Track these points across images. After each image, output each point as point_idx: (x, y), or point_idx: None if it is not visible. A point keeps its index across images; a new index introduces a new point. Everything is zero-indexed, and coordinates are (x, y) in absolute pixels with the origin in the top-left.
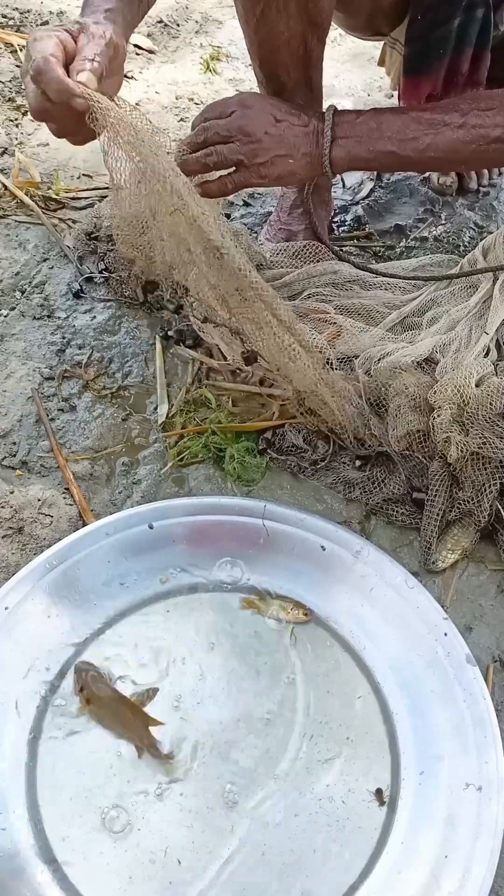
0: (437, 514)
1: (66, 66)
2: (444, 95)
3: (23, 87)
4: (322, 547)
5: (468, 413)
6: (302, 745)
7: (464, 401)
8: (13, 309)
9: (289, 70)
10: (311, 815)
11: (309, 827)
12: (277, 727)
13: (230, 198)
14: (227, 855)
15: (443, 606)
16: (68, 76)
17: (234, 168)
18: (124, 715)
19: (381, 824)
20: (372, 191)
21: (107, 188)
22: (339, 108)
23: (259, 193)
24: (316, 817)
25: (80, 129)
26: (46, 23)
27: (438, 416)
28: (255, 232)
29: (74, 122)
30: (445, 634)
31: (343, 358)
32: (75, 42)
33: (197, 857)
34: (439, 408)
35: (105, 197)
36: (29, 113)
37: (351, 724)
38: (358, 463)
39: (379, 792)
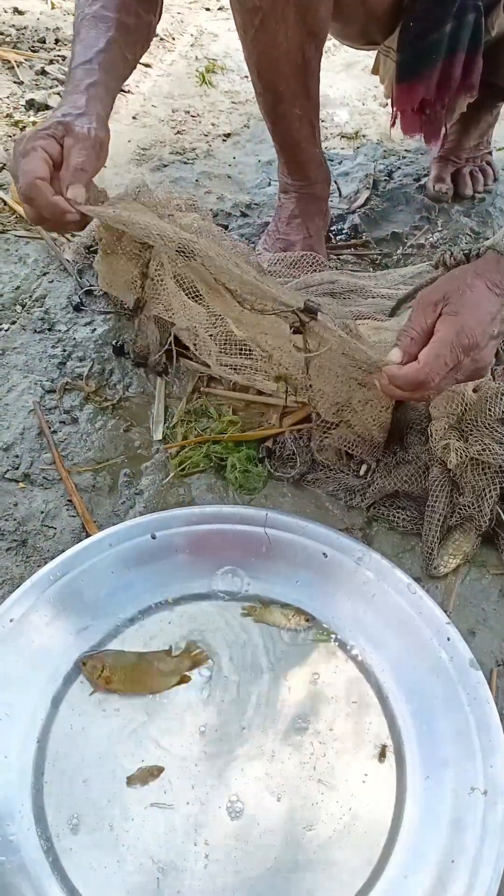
0: (439, 520)
1: (57, 171)
2: (438, 100)
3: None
4: (324, 554)
5: (467, 419)
6: (307, 751)
7: (463, 407)
8: (14, 323)
9: (287, 80)
10: (317, 821)
11: (315, 832)
12: (281, 734)
13: (227, 209)
14: (234, 862)
15: (445, 611)
16: (59, 184)
17: None
18: (146, 668)
19: (387, 829)
20: (368, 199)
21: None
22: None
23: (256, 204)
24: (322, 823)
25: (79, 225)
26: (43, 40)
27: (437, 422)
28: (253, 242)
29: (73, 225)
30: (448, 639)
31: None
32: (61, 144)
33: (202, 866)
34: (438, 416)
35: None
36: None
37: (355, 731)
38: (363, 470)
39: (383, 749)
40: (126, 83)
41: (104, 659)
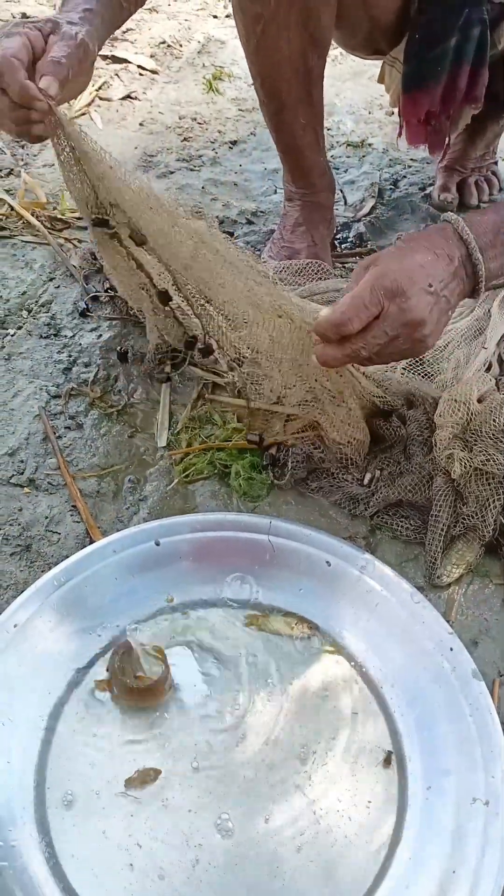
0: (442, 529)
1: (34, 64)
2: (443, 112)
3: None
4: (327, 562)
5: (471, 429)
6: (308, 760)
7: (468, 417)
8: (20, 328)
9: (290, 87)
10: (319, 830)
11: (316, 842)
12: (283, 742)
13: (233, 216)
14: (234, 870)
15: (448, 621)
16: (34, 74)
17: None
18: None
19: (388, 839)
20: (374, 208)
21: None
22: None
23: (262, 211)
24: (323, 832)
25: (38, 135)
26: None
27: (441, 431)
28: (258, 250)
29: (37, 127)
30: (451, 649)
31: None
32: (45, 41)
33: (203, 873)
34: (442, 425)
35: None
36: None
37: (357, 739)
38: (367, 479)
39: (388, 756)
40: (133, 90)
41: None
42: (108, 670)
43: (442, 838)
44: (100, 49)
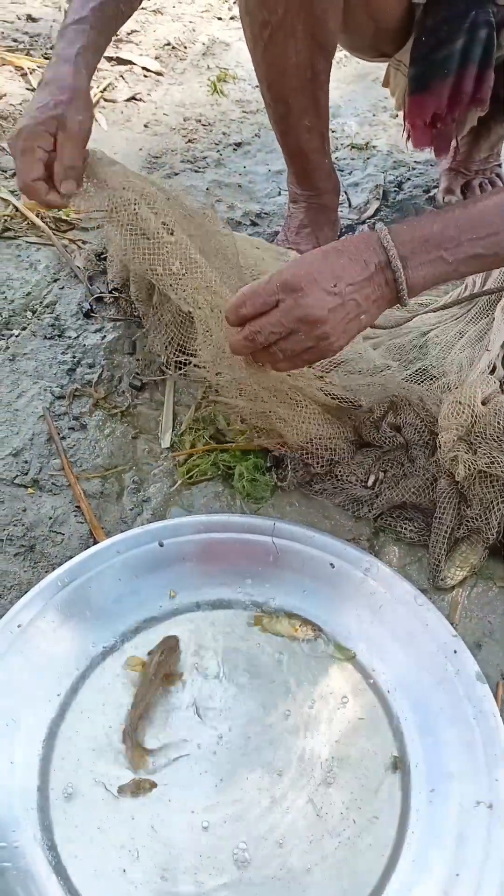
0: (446, 532)
1: (51, 160)
2: (449, 114)
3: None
4: (331, 564)
5: (475, 432)
6: (311, 763)
7: (472, 419)
8: (24, 329)
9: (296, 92)
10: (322, 834)
11: (320, 845)
12: (286, 745)
13: (238, 217)
14: (238, 872)
15: (452, 624)
16: (53, 177)
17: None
18: (146, 691)
19: (392, 842)
20: (378, 210)
21: None
22: (385, 224)
23: (266, 213)
24: (327, 834)
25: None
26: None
27: (446, 433)
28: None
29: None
30: (455, 652)
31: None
32: (54, 136)
33: (207, 875)
34: (447, 428)
35: None
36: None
37: (360, 742)
38: (371, 481)
39: (395, 760)
40: (138, 91)
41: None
42: (149, 654)
43: (445, 841)
44: (92, 74)
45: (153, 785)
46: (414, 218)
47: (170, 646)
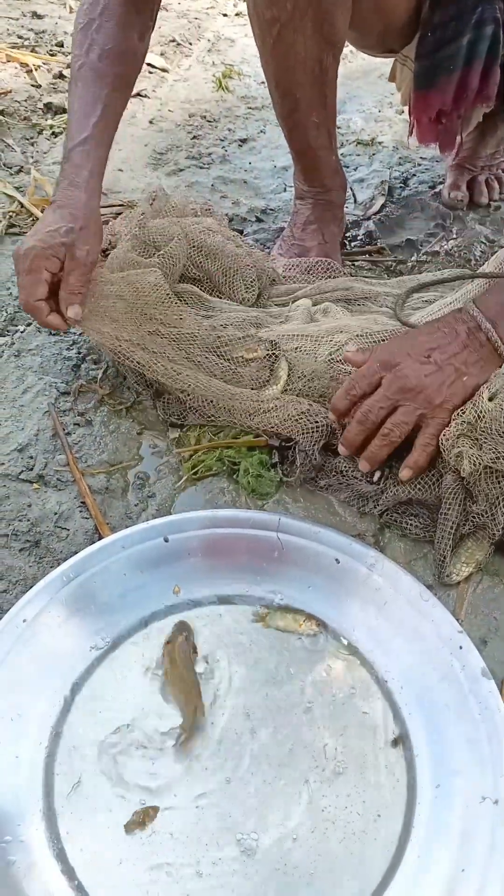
0: (451, 528)
1: (55, 291)
2: (454, 110)
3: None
4: (336, 560)
5: (481, 427)
6: (316, 758)
7: (477, 414)
8: (29, 325)
9: (304, 88)
10: (327, 829)
11: (324, 840)
12: (290, 739)
13: (243, 214)
14: (242, 868)
15: (457, 620)
16: (58, 302)
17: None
18: (189, 688)
19: (397, 837)
20: (384, 206)
21: (121, 205)
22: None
23: (271, 209)
24: (331, 830)
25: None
26: (61, 44)
27: (448, 430)
28: (268, 247)
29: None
30: (460, 648)
31: None
32: (62, 263)
33: (211, 870)
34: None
35: (119, 214)
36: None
37: (365, 738)
38: (376, 476)
39: (395, 741)
40: (143, 88)
41: (178, 646)
42: (168, 642)
43: (451, 837)
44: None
45: (156, 810)
46: (493, 286)
47: (186, 627)
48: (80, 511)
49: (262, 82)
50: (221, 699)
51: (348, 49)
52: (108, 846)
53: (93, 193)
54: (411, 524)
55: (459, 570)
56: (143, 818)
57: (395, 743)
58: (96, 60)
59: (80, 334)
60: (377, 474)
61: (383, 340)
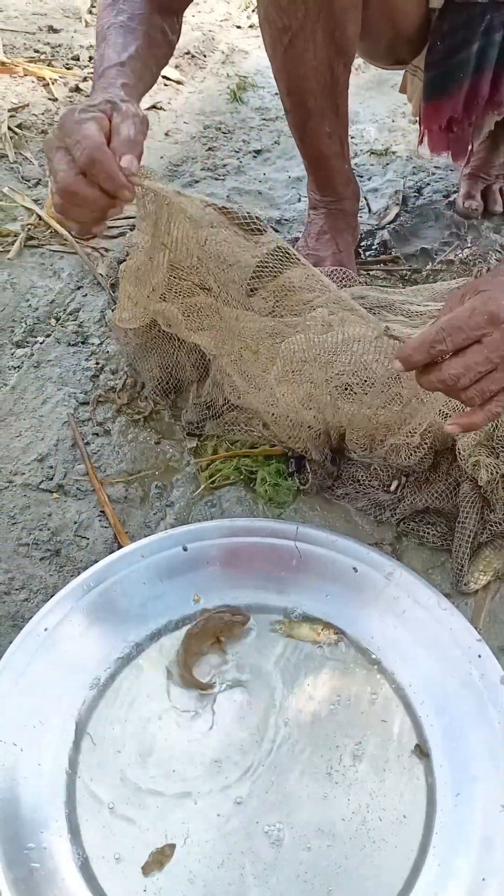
0: (469, 536)
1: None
2: (465, 118)
3: (48, 163)
4: (354, 569)
5: (498, 436)
6: (336, 766)
7: (495, 424)
8: (49, 336)
9: (316, 97)
10: (347, 836)
11: (345, 848)
12: (310, 747)
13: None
14: (263, 874)
15: (476, 628)
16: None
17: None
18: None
19: (417, 845)
20: (398, 215)
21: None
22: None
23: (286, 219)
24: (352, 838)
25: (100, 218)
26: (77, 58)
27: (464, 439)
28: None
29: (100, 212)
30: (479, 656)
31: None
32: (109, 120)
33: (233, 879)
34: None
35: (134, 227)
36: (51, 202)
37: (385, 745)
38: (394, 486)
39: (418, 747)
40: (158, 100)
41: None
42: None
43: (471, 845)
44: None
45: (172, 848)
46: None
47: (232, 611)
48: (100, 520)
49: (277, 93)
50: (239, 708)
51: (360, 60)
52: (132, 854)
53: (130, 93)
54: (429, 533)
55: (477, 579)
56: (160, 858)
57: (418, 751)
58: (126, 20)
59: (98, 344)
60: (395, 484)
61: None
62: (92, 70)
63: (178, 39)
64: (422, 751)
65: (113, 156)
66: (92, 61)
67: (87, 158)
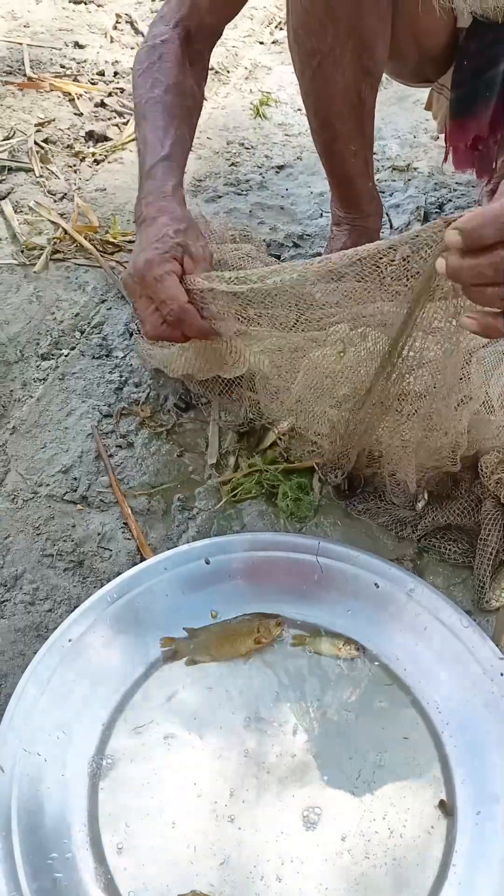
0: (491, 553)
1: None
2: (490, 136)
3: (132, 304)
4: (376, 584)
5: None
6: (357, 783)
7: None
8: (73, 349)
9: (343, 118)
10: (368, 854)
11: (365, 866)
12: (331, 764)
13: (280, 239)
14: (284, 892)
15: (497, 646)
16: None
17: None
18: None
19: (438, 864)
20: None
21: None
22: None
23: (308, 235)
24: (372, 856)
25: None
26: (102, 73)
27: (488, 456)
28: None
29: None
30: (501, 674)
31: None
32: (181, 263)
33: (254, 891)
34: (488, 450)
35: None
36: (143, 335)
37: (406, 763)
38: (420, 505)
39: (442, 803)
40: None
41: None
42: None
43: (492, 864)
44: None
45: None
46: None
47: (278, 622)
48: (123, 532)
49: (299, 109)
50: (259, 723)
51: (384, 76)
52: (155, 866)
53: (182, 202)
54: (450, 549)
55: (499, 596)
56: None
57: (442, 808)
58: (162, 94)
59: (122, 358)
60: (421, 503)
61: None
62: (116, 86)
63: (206, 81)
64: (445, 807)
65: (197, 312)
66: (116, 76)
67: (175, 318)
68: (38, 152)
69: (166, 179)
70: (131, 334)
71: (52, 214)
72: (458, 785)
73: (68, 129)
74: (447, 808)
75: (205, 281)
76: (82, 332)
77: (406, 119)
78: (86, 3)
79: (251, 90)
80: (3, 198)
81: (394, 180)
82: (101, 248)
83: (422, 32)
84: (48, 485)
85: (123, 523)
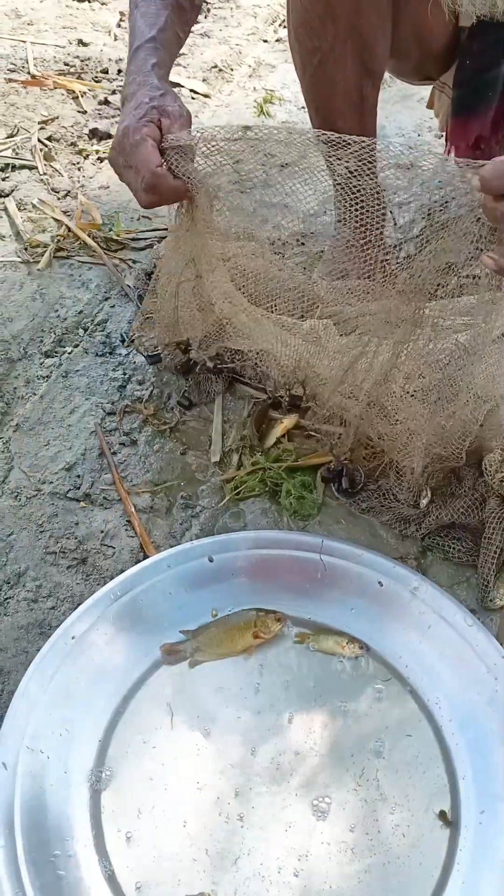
0: (495, 552)
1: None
2: (492, 136)
3: (120, 178)
4: (379, 583)
5: None
6: (360, 781)
7: None
8: (77, 346)
9: (344, 116)
10: (372, 853)
11: (369, 864)
12: (334, 763)
13: (284, 237)
14: (287, 892)
15: (501, 644)
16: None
17: None
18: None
19: (441, 862)
20: (423, 229)
21: (164, 228)
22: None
23: (312, 233)
24: (376, 854)
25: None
26: (106, 70)
27: (492, 454)
28: (309, 271)
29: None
30: None
31: None
32: (159, 126)
33: (256, 888)
34: (492, 448)
35: (164, 238)
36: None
37: (409, 762)
38: (423, 502)
39: (443, 814)
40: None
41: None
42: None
43: (495, 863)
44: None
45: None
46: None
47: (277, 618)
48: (126, 529)
49: (303, 107)
50: (263, 723)
51: (387, 74)
52: (157, 863)
53: (162, 77)
54: (454, 548)
55: (503, 595)
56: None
57: (443, 818)
58: None
59: (125, 355)
60: (425, 500)
61: None
62: (120, 84)
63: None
64: (446, 817)
65: (168, 176)
66: (120, 74)
67: (148, 185)
68: (41, 150)
69: (147, 59)
70: (131, 341)
71: (56, 212)
72: (461, 783)
73: (72, 126)
74: (447, 819)
75: (184, 136)
76: (86, 330)
77: (410, 117)
78: (89, 1)
79: (255, 88)
80: (7, 195)
81: (398, 178)
82: (104, 246)
83: (424, 31)
84: (51, 482)
85: (127, 521)
